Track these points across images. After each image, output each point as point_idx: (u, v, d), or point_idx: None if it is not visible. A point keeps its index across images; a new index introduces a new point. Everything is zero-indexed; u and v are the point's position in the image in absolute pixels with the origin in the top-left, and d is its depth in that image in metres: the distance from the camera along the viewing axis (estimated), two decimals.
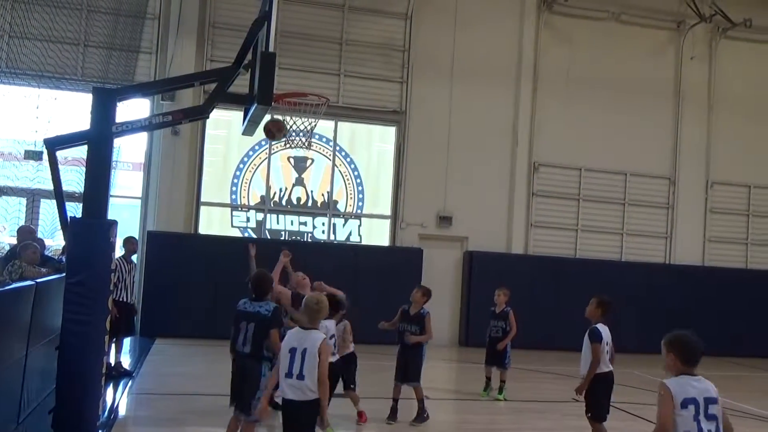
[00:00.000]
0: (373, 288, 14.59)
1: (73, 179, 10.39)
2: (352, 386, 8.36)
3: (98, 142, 7.20)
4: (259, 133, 15.13)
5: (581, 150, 17.82)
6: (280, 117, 9.36)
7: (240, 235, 16.46)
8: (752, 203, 18.96)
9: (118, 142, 8.83)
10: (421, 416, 8.67)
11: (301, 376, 5.25)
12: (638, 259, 18.01)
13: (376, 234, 17.12)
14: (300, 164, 16.90)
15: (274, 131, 8.76)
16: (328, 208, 16.93)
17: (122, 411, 8.76)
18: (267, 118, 8.64)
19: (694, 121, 18.51)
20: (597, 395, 7.01)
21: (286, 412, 5.44)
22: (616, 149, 17.97)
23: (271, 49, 7.42)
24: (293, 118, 10.70)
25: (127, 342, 12.07)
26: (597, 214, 18.08)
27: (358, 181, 17.13)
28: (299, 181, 16.90)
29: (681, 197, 18.47)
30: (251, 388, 6.20)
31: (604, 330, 6.97)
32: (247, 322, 6.27)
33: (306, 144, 11.01)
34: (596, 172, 18.01)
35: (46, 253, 10.16)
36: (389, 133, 17.33)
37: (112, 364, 10.11)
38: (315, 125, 10.90)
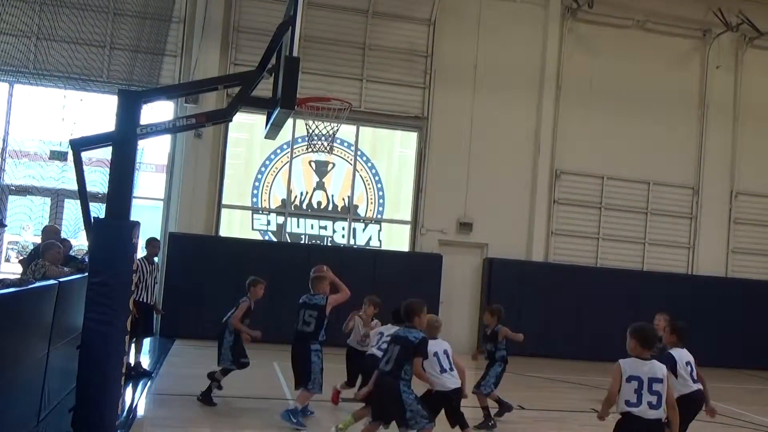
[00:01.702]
0: (392, 294, 14.50)
1: (97, 180, 10.50)
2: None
3: (122, 144, 7.26)
4: (281, 137, 15.33)
5: (604, 158, 17.69)
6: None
7: (261, 237, 16.54)
8: None
9: (141, 143, 8.90)
10: (486, 423, 8.86)
11: (452, 370, 7.08)
12: (660, 269, 17.83)
13: (396, 239, 17.12)
14: (321, 168, 16.96)
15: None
16: (349, 212, 16.95)
17: (141, 411, 8.81)
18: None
19: (719, 130, 18.31)
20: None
21: (449, 398, 7.07)
22: (640, 158, 17.83)
23: (295, 53, 7.44)
24: (315, 122, 10.74)
25: (146, 342, 12.16)
26: (619, 223, 17.93)
27: (379, 186, 17.14)
28: (320, 185, 16.94)
29: (704, 207, 18.26)
30: (396, 407, 6.57)
31: (678, 353, 7.00)
32: (394, 344, 6.73)
33: (328, 148, 11.06)
34: (619, 180, 17.87)
35: (72, 252, 10.28)
36: (411, 138, 17.33)
37: (132, 364, 10.18)
38: (337, 130, 10.93)
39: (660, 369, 5.39)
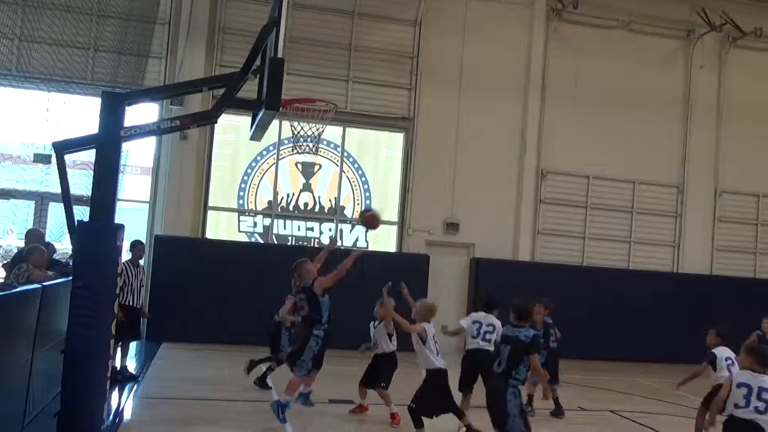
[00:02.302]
0: (379, 294, 14.54)
1: (82, 183, 10.43)
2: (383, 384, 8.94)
3: (106, 146, 7.21)
4: (267, 138, 15.26)
5: (589, 157, 17.74)
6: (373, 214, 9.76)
7: (247, 239, 16.48)
8: (761, 212, 18.84)
9: (126, 146, 8.85)
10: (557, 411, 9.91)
11: (439, 353, 7.90)
12: (645, 268, 17.93)
13: (383, 240, 17.10)
14: (308, 170, 16.92)
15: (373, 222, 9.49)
16: (335, 213, 16.93)
17: (127, 415, 8.75)
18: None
19: (703, 129, 18.42)
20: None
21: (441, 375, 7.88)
22: (625, 157, 17.91)
23: (279, 54, 7.43)
24: (301, 123, 10.68)
25: (133, 346, 12.09)
26: (604, 222, 18.01)
27: (366, 187, 17.13)
28: (307, 187, 16.91)
29: (689, 206, 18.38)
30: (501, 411, 6.51)
31: (720, 351, 8.53)
32: (505, 345, 6.70)
33: (314, 150, 11.02)
34: (604, 179, 17.94)
35: (56, 256, 10.20)
36: (397, 139, 17.32)
37: (118, 368, 10.12)
38: (323, 131, 10.88)
39: None
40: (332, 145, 16.86)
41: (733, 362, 8.36)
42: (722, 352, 8.61)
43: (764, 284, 18.04)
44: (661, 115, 18.26)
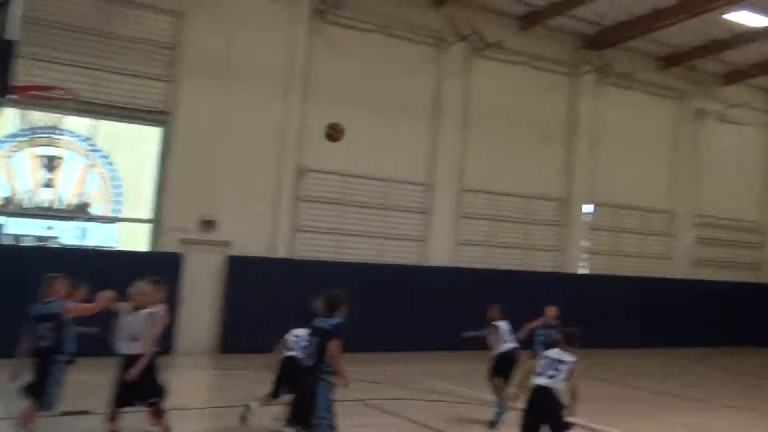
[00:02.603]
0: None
1: None
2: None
3: None
4: (3, 128, 13.87)
5: (347, 157, 18.23)
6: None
7: None
8: (495, 209, 20.69)
9: None
10: None
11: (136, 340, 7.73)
12: (397, 261, 18.95)
13: (135, 239, 16.33)
14: (50, 163, 15.62)
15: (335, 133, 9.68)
16: (81, 211, 15.83)
17: None
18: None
19: (451, 133, 19.78)
20: (497, 367, 10.35)
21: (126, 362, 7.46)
22: (380, 156, 18.73)
23: (12, 36, 6.87)
24: (38, 112, 9.90)
25: None
26: (360, 219, 18.73)
27: (117, 182, 16.24)
28: (49, 182, 15.61)
29: (436, 203, 19.71)
30: (309, 403, 6.31)
31: (501, 324, 10.45)
32: (313, 336, 6.60)
33: (52, 141, 10.28)
34: (361, 178, 18.64)
35: None
36: (154, 133, 16.61)
37: None
38: (63, 120, 10.20)
39: (567, 357, 7.12)
40: (81, 138, 15.70)
41: (510, 334, 10.35)
42: (503, 325, 10.42)
43: (499, 274, 19.82)
44: (414, 117, 19.36)
